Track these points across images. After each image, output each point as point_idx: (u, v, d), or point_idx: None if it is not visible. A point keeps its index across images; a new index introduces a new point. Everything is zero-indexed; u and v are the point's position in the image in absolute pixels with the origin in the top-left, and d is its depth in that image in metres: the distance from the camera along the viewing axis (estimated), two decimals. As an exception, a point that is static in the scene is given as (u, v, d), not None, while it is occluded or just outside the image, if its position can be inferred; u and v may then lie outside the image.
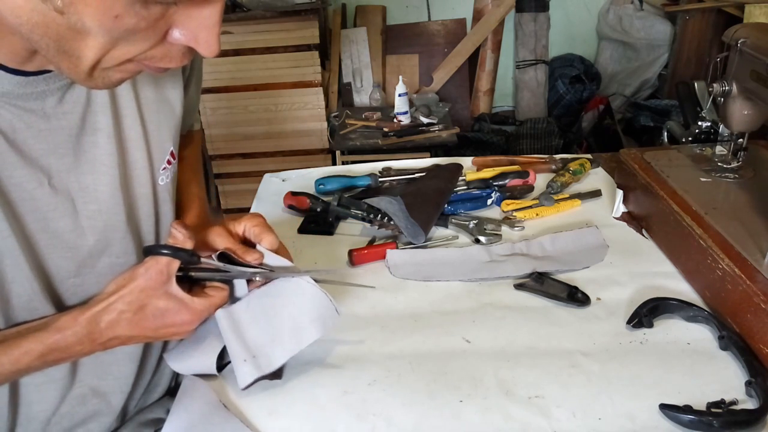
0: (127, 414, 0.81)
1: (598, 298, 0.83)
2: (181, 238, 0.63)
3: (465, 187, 1.12)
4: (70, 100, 0.61)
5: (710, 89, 0.91)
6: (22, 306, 0.63)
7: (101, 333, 0.62)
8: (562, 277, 0.87)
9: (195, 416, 0.67)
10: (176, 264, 0.62)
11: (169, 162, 0.74)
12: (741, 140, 0.93)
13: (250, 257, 0.68)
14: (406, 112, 2.81)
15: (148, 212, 0.72)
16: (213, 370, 0.72)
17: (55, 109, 0.60)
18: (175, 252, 0.62)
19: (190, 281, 0.67)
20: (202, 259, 0.66)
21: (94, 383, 0.74)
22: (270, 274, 0.69)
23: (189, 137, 0.91)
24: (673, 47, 3.22)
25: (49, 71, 0.58)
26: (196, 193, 0.88)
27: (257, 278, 0.69)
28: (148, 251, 0.63)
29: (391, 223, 0.97)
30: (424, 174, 1.15)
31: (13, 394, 0.69)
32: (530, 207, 1.04)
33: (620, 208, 1.03)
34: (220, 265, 0.67)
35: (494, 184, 1.11)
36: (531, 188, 1.12)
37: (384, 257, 0.94)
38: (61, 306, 0.67)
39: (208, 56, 0.51)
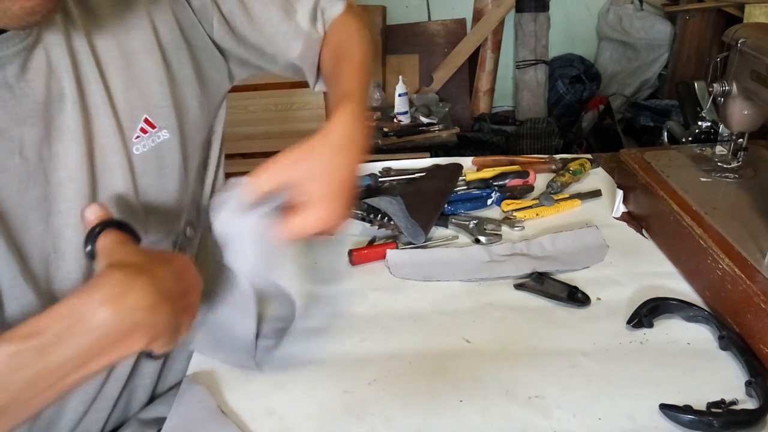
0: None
1: (598, 298, 0.83)
2: (97, 213, 0.56)
3: (465, 187, 1.12)
4: (32, 67, 0.59)
5: (710, 89, 0.90)
6: (5, 292, 0.61)
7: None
8: (562, 277, 0.87)
9: (191, 422, 0.67)
10: (119, 232, 0.56)
11: (143, 131, 0.69)
12: (741, 140, 0.93)
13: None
14: (406, 112, 2.80)
15: (124, 184, 0.67)
16: (252, 366, 0.72)
17: (18, 78, 0.58)
18: (105, 227, 0.55)
19: None
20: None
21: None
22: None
23: (336, 27, 0.79)
24: (673, 47, 3.22)
25: None
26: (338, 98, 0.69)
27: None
28: (90, 256, 0.55)
29: (391, 223, 0.97)
30: (424, 174, 1.15)
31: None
32: (530, 207, 1.04)
33: (620, 208, 1.03)
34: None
35: (494, 184, 1.11)
36: (531, 188, 1.12)
37: (384, 257, 0.94)
38: (45, 289, 0.64)
39: None
